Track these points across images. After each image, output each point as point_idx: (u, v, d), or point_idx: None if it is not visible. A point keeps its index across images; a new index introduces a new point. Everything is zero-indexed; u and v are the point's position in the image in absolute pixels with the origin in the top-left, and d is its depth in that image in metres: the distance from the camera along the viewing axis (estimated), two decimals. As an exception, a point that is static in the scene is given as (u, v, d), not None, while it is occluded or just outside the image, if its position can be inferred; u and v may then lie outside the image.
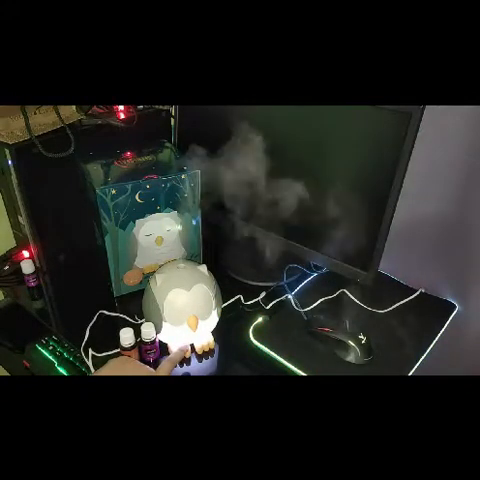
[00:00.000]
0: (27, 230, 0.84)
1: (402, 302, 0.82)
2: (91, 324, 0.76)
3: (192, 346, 0.73)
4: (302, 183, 0.78)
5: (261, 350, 0.74)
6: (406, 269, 0.87)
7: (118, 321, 0.78)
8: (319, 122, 0.72)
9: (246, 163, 0.83)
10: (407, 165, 0.64)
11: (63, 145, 0.77)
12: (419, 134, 0.62)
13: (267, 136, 0.80)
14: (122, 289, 0.84)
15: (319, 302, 0.83)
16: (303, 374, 0.70)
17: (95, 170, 0.77)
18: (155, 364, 0.68)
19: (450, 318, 0.81)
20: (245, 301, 0.84)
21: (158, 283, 0.68)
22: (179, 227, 0.82)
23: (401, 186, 0.66)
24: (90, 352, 0.72)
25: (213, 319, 0.71)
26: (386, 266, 0.83)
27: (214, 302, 0.69)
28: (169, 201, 0.78)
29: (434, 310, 0.82)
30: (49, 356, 0.75)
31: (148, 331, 0.68)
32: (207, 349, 0.73)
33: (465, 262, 0.80)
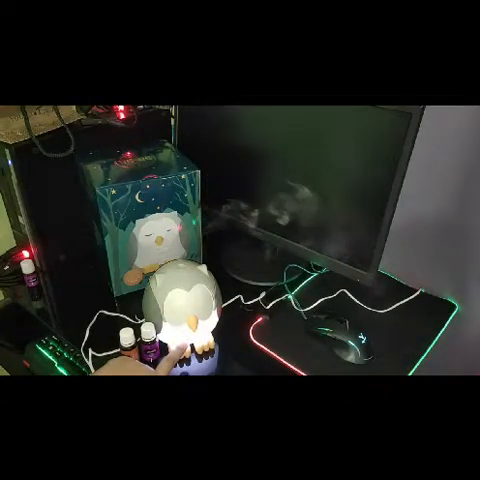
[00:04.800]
0: (27, 230, 0.84)
1: (402, 302, 0.82)
2: (91, 324, 0.76)
3: (192, 346, 0.73)
4: (302, 183, 0.78)
5: (261, 350, 0.74)
6: (406, 269, 0.87)
7: (118, 321, 0.78)
8: (319, 122, 0.72)
9: (245, 163, 0.83)
10: (407, 165, 0.64)
11: (63, 145, 0.77)
12: (419, 134, 0.62)
13: (267, 136, 0.80)
14: (122, 289, 0.84)
15: (319, 302, 0.83)
16: (303, 374, 0.70)
17: (95, 170, 0.77)
18: (155, 364, 0.68)
19: (450, 318, 0.81)
20: (245, 301, 0.84)
21: (158, 283, 0.68)
22: (179, 227, 0.82)
23: (401, 186, 0.66)
24: (90, 352, 0.72)
25: (213, 319, 0.71)
26: (386, 266, 0.83)
27: (214, 302, 0.69)
28: (169, 201, 0.78)
29: (434, 310, 0.82)
30: (49, 356, 0.75)
31: (148, 331, 0.68)
32: (207, 349, 0.73)
33: (465, 262, 0.80)
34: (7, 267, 0.88)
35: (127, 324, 0.75)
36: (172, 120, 0.95)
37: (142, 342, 0.69)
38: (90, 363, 0.71)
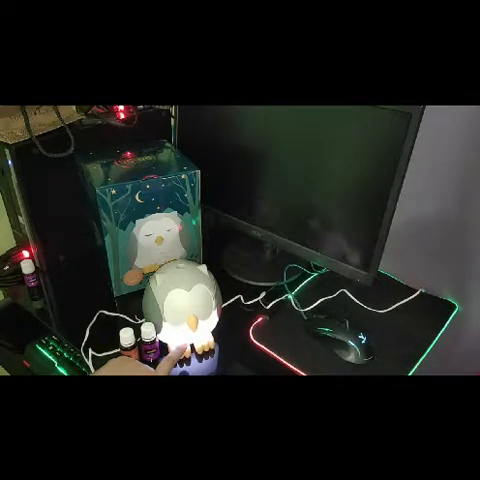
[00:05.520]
0: (27, 230, 0.84)
1: (402, 302, 0.82)
2: (91, 324, 0.76)
3: (192, 346, 0.73)
4: (301, 183, 0.78)
5: (261, 350, 0.74)
6: (406, 269, 0.87)
7: (118, 321, 0.78)
8: (319, 122, 0.72)
9: (245, 163, 0.83)
10: (407, 165, 0.64)
11: (63, 145, 0.77)
12: (419, 134, 0.62)
13: (266, 136, 0.80)
14: (122, 289, 0.84)
15: (319, 302, 0.83)
16: (303, 374, 0.70)
17: (95, 170, 0.77)
18: (155, 364, 0.68)
19: (450, 318, 0.81)
20: (245, 301, 0.84)
21: (158, 283, 0.68)
22: (179, 227, 0.82)
23: (401, 186, 0.66)
24: (90, 352, 0.72)
25: (213, 319, 0.71)
26: (386, 266, 0.83)
27: (214, 302, 0.69)
28: (169, 201, 0.78)
29: (434, 310, 0.82)
30: (49, 356, 0.75)
31: (148, 331, 0.68)
32: (207, 349, 0.73)
33: (465, 262, 0.80)
34: (7, 267, 0.88)
35: (127, 324, 0.75)
36: (172, 120, 0.95)
37: (142, 342, 0.69)
38: (90, 363, 0.70)
